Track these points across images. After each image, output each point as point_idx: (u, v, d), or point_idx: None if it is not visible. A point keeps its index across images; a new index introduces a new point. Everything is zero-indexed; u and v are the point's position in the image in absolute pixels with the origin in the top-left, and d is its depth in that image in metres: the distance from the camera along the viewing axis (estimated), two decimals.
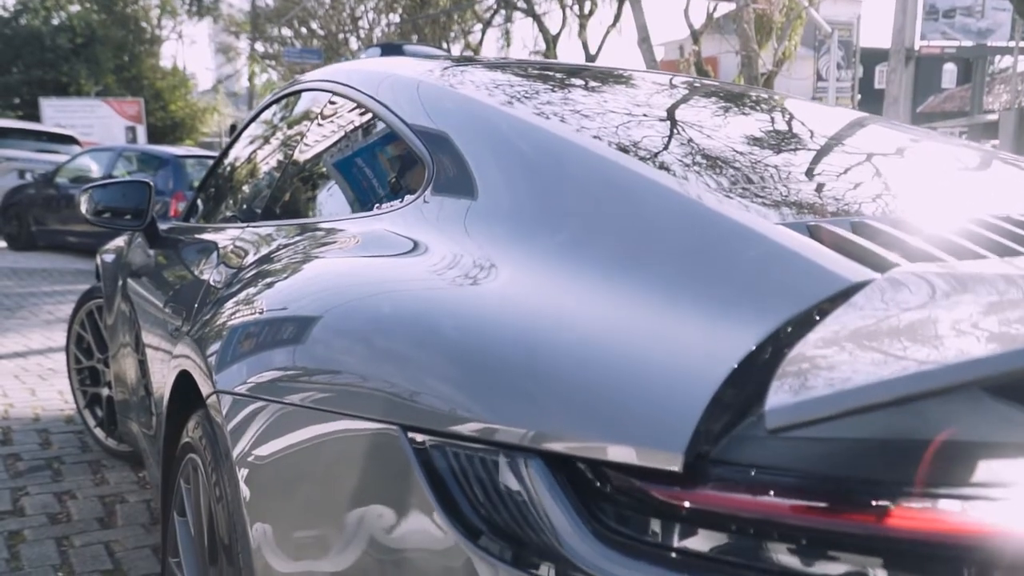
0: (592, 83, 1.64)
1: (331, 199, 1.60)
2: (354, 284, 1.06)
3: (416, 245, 1.09)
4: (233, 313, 1.19)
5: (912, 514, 0.57)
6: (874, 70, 31.76)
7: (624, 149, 1.11)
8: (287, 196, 1.80)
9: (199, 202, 2.72)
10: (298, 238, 1.39)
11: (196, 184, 8.84)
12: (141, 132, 22.40)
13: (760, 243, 0.81)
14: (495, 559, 0.69)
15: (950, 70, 32.98)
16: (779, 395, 0.56)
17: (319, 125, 1.79)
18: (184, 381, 1.36)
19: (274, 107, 2.32)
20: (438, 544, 0.74)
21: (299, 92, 2.12)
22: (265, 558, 0.94)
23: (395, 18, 27.91)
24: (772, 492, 0.60)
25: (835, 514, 0.59)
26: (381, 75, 1.62)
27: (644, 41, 14.34)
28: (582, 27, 23.30)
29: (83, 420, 3.40)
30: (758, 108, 1.67)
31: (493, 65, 1.69)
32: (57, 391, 4.10)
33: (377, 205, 1.34)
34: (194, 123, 28.27)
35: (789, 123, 1.57)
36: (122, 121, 22.33)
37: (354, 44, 28.32)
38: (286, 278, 1.20)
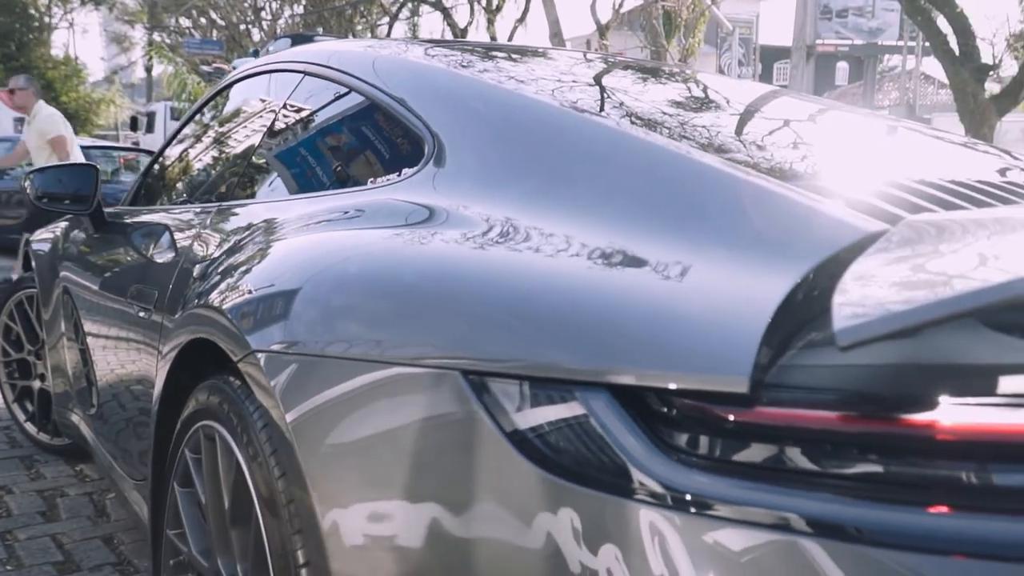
0: (549, 58, 1.73)
1: (338, 170, 1.63)
2: (393, 240, 1.10)
3: (434, 209, 1.14)
4: (258, 276, 1.20)
5: (943, 423, 0.67)
6: (772, 67, 32.89)
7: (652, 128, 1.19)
8: (277, 172, 1.81)
9: (149, 186, 2.65)
10: (310, 207, 1.41)
11: (106, 176, 8.56)
12: None
13: (781, 200, 0.89)
14: (578, 486, 0.74)
15: (843, 68, 34.44)
16: (843, 319, 0.64)
17: (295, 104, 1.81)
18: (184, 356, 1.37)
19: (230, 91, 2.30)
20: (514, 478, 0.78)
21: (258, 75, 2.12)
22: (331, 510, 0.95)
23: (299, 9, 27.36)
24: (826, 408, 0.68)
25: (874, 424, 0.68)
26: (337, 53, 1.73)
27: (556, 35, 14.54)
28: (490, 22, 23.36)
29: (12, 415, 3.27)
30: (715, 86, 1.78)
31: (436, 43, 1.85)
32: None
33: (382, 176, 1.38)
34: (88, 115, 27.17)
35: (758, 101, 1.67)
36: (10, 112, 21.24)
37: (256, 36, 27.62)
38: (314, 241, 1.22)
